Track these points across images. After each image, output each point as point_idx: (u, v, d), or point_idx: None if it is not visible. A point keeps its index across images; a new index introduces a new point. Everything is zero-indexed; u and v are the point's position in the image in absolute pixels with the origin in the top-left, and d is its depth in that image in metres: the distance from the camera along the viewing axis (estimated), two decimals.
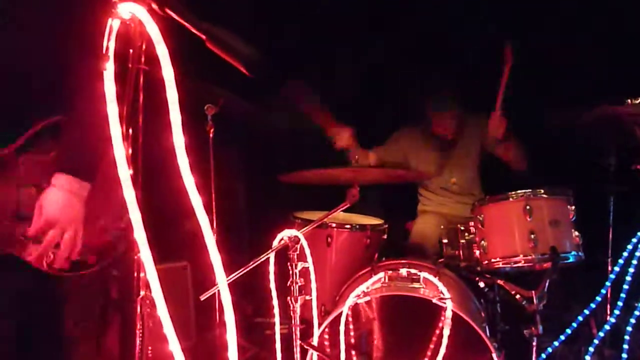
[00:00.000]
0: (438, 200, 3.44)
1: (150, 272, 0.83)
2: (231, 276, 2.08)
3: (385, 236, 2.92)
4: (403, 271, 2.30)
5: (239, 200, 3.69)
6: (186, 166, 0.82)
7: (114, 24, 0.82)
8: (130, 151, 0.83)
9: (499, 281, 2.57)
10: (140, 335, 0.85)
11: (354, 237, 2.81)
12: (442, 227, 2.97)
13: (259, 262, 2.09)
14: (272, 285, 2.09)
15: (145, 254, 0.83)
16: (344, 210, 2.53)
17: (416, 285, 2.24)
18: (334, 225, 2.79)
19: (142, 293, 0.85)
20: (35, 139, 1.36)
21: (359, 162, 2.96)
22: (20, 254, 1.32)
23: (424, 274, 2.29)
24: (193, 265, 3.35)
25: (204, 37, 0.79)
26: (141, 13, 0.80)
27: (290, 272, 2.09)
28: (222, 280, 0.88)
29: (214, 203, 2.93)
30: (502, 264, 2.42)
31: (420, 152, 3.38)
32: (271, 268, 2.13)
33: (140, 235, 0.82)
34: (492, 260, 2.44)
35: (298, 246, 2.09)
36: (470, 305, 2.40)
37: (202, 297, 2.03)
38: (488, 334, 2.26)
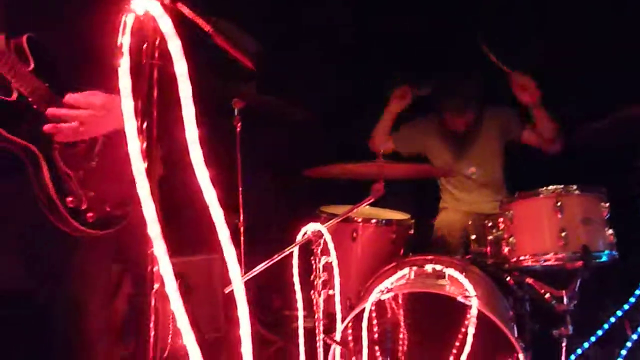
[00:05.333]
0: (458, 195, 3.37)
1: (164, 266, 0.84)
2: (253, 271, 2.10)
3: (411, 231, 2.89)
4: (428, 267, 2.27)
5: (266, 194, 3.71)
6: (200, 160, 0.82)
7: (127, 20, 0.83)
8: (144, 145, 0.83)
9: (528, 279, 2.51)
10: (154, 328, 0.86)
11: (379, 231, 2.79)
12: (469, 222, 2.92)
13: (282, 256, 2.10)
14: (296, 279, 2.10)
15: (159, 248, 0.83)
16: (371, 205, 2.52)
17: (441, 282, 2.21)
18: (359, 219, 2.77)
19: (155, 286, 0.86)
20: None
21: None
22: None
23: (449, 271, 2.25)
24: (222, 257, 3.38)
25: (210, 31, 0.79)
26: (154, 8, 0.80)
27: (314, 266, 2.10)
28: (236, 275, 0.88)
29: (241, 196, 2.95)
30: (531, 261, 2.35)
31: (437, 142, 3.32)
32: (295, 262, 2.14)
33: (154, 229, 0.83)
34: (521, 257, 2.38)
35: (322, 240, 2.09)
36: (497, 304, 2.35)
37: (227, 290, 2.05)
38: (516, 333, 2.21)
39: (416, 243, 2.93)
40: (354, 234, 2.74)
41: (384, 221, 2.80)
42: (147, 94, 0.83)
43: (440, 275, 2.24)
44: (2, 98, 1.33)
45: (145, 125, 0.84)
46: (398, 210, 3.08)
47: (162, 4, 0.79)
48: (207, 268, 3.39)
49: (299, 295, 2.12)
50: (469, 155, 3.27)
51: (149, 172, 0.82)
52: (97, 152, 1.53)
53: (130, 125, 0.83)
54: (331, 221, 2.22)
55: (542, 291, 2.38)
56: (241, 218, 2.94)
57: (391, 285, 2.20)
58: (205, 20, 0.79)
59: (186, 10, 0.79)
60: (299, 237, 2.14)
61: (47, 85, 1.41)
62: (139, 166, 0.81)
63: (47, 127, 1.39)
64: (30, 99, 1.38)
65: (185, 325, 0.87)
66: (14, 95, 1.35)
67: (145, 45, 0.84)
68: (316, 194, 3.32)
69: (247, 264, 2.90)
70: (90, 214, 1.50)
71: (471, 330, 2.03)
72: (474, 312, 2.01)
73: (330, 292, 2.15)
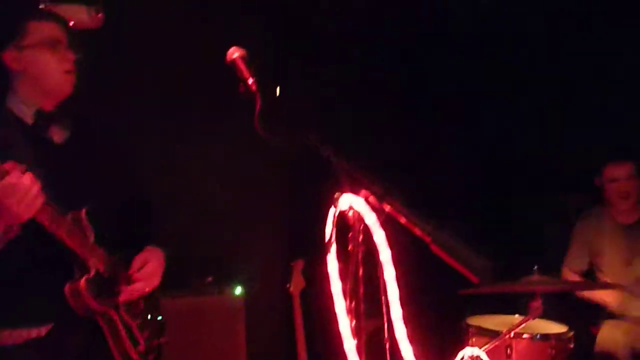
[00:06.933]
0: (628, 301, 3.07)
1: None
2: None
3: (572, 345, 2.67)
4: None
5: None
6: (404, 336, 0.89)
7: (335, 213, 0.96)
8: (354, 323, 0.93)
9: None
10: None
11: (536, 347, 2.61)
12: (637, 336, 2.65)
13: None
14: None
15: None
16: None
17: None
18: (512, 333, 2.63)
19: None
20: None
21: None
22: None
23: None
24: None
25: (428, 239, 0.88)
26: (359, 204, 0.93)
27: None
28: None
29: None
30: None
31: (604, 243, 3.09)
32: None
33: None
34: None
35: None
36: None
37: None
38: None
39: (577, 357, 2.70)
40: (508, 351, 2.59)
41: (539, 335, 2.63)
42: (354, 276, 0.94)
43: None
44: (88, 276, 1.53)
45: (353, 304, 0.93)
46: (551, 319, 2.88)
47: (367, 202, 0.92)
48: None
49: None
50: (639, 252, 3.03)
51: (359, 348, 0.90)
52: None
53: (340, 305, 0.93)
54: (489, 344, 2.15)
55: None
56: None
57: None
58: (423, 227, 0.88)
59: (403, 217, 0.89)
60: None
61: (105, 251, 1.62)
62: (349, 344, 0.90)
63: (123, 297, 1.63)
64: (103, 272, 1.58)
65: None
66: (92, 272, 1.55)
67: (350, 234, 0.96)
68: (456, 302, 3.23)
69: None
70: (151, 357, 1.72)
71: None
72: None
73: None
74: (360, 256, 0.93)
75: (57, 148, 1.62)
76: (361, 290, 0.93)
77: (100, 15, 2.73)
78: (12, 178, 1.29)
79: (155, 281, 1.74)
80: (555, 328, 2.78)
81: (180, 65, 3.02)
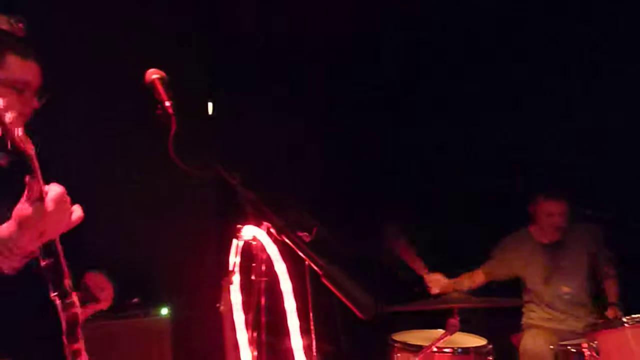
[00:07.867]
0: (546, 314, 3.25)
1: None
2: None
3: (491, 357, 2.78)
4: None
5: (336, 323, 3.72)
6: None
7: (239, 244, 0.97)
8: (255, 354, 0.93)
9: None
10: None
11: None
12: (551, 346, 2.80)
13: None
14: None
15: None
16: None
17: None
18: (434, 349, 2.71)
19: None
20: None
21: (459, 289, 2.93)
22: None
23: None
24: None
25: (320, 272, 0.90)
26: (261, 235, 0.94)
27: None
28: None
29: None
30: None
31: (528, 261, 3.25)
32: None
33: None
34: None
35: None
36: None
37: None
38: None
39: None
40: None
41: (460, 350, 2.72)
42: (256, 307, 0.95)
43: None
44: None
45: (255, 334, 0.94)
46: (473, 332, 2.99)
47: (268, 233, 0.93)
48: None
49: None
50: (560, 272, 3.19)
51: None
52: None
53: (242, 337, 0.93)
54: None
55: None
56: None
57: None
58: (316, 260, 0.90)
59: (300, 250, 0.91)
60: None
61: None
62: None
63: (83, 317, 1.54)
64: None
65: None
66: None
67: (254, 264, 0.97)
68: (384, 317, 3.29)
69: None
70: None
71: None
72: None
73: None
74: (262, 286, 0.95)
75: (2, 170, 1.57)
76: (263, 320, 0.95)
77: (20, 25, 2.64)
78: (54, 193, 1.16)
79: (108, 304, 1.69)
80: (475, 341, 2.89)
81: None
